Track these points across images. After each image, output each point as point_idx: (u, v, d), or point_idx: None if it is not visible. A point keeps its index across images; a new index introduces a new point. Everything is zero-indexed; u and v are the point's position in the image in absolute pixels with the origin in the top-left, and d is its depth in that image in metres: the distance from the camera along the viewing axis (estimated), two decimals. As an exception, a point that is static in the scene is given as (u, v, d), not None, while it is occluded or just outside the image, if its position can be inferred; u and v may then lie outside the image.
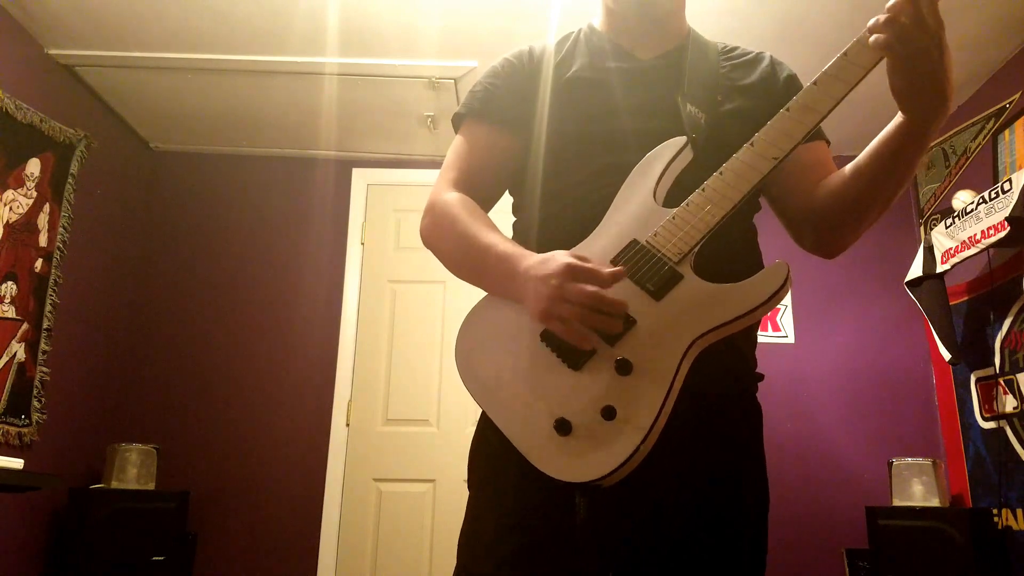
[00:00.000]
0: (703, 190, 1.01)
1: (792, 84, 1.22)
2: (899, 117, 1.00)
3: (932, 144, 3.40)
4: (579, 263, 0.94)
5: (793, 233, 1.20)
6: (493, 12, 2.82)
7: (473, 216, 1.13)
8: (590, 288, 0.91)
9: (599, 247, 1.03)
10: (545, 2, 2.77)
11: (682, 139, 1.09)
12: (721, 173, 1.01)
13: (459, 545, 1.08)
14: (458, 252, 1.13)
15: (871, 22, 0.95)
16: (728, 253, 1.06)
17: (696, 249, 0.98)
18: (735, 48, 1.27)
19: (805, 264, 3.38)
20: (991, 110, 3.06)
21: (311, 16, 2.84)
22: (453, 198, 1.16)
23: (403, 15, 2.85)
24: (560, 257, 0.96)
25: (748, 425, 1.10)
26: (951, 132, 3.30)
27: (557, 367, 0.96)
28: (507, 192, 1.30)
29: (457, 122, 1.27)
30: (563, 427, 0.92)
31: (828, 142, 1.21)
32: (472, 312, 1.08)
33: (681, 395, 0.91)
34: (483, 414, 1.08)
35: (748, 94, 1.19)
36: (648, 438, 0.89)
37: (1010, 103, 2.96)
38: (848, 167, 1.09)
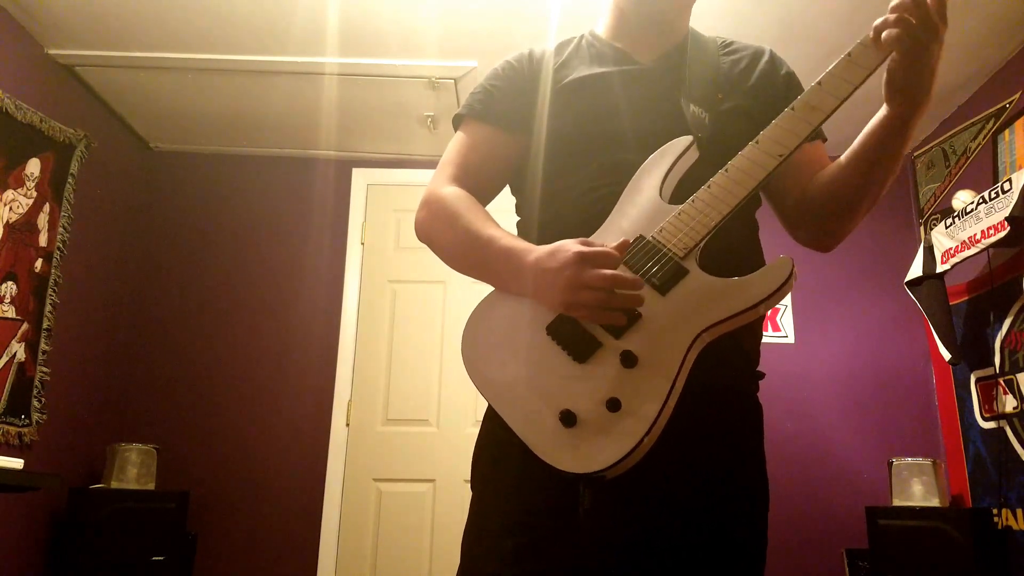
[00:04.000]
0: (709, 187, 1.03)
1: (791, 81, 1.24)
2: (884, 111, 1.03)
3: (932, 144, 3.41)
4: (589, 249, 0.96)
5: (789, 228, 1.22)
6: (493, 12, 2.82)
7: (474, 211, 1.14)
8: (607, 272, 0.94)
9: (607, 242, 1.04)
10: (545, 3, 2.77)
11: (688, 138, 1.10)
12: (726, 170, 1.03)
13: (463, 544, 1.09)
14: (459, 246, 1.14)
15: (879, 20, 0.97)
16: (732, 248, 1.07)
17: (702, 244, 1.00)
18: (733, 43, 1.29)
19: (805, 264, 3.38)
20: (991, 110, 3.07)
21: (311, 16, 2.84)
22: (452, 192, 1.17)
23: (403, 15, 2.85)
24: (570, 246, 0.98)
25: (749, 421, 1.11)
26: (951, 132, 3.30)
27: (563, 360, 0.97)
28: (510, 192, 1.31)
29: (457, 123, 1.29)
30: (568, 419, 0.93)
31: (824, 139, 1.24)
32: (478, 308, 1.08)
33: (685, 388, 0.92)
34: (488, 411, 1.09)
35: (749, 91, 1.20)
36: (652, 430, 0.89)
37: (1010, 103, 2.96)
38: (836, 164, 1.12)
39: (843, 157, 1.11)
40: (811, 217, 1.17)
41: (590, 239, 1.01)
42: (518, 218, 1.29)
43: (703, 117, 1.14)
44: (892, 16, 0.96)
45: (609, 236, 1.05)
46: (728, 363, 1.05)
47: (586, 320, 0.97)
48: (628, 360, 0.93)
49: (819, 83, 1.02)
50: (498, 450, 1.06)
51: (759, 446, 1.10)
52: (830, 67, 1.01)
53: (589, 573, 0.99)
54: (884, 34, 0.96)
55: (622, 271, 0.98)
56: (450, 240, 1.15)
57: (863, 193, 1.10)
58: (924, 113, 1.01)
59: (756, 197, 1.19)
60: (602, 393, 0.93)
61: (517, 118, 1.23)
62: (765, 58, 1.25)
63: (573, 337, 0.97)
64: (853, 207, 1.12)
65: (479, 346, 1.05)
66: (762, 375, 1.14)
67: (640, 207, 1.06)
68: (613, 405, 0.92)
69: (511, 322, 1.04)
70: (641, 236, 1.03)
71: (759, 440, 1.11)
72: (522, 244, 1.06)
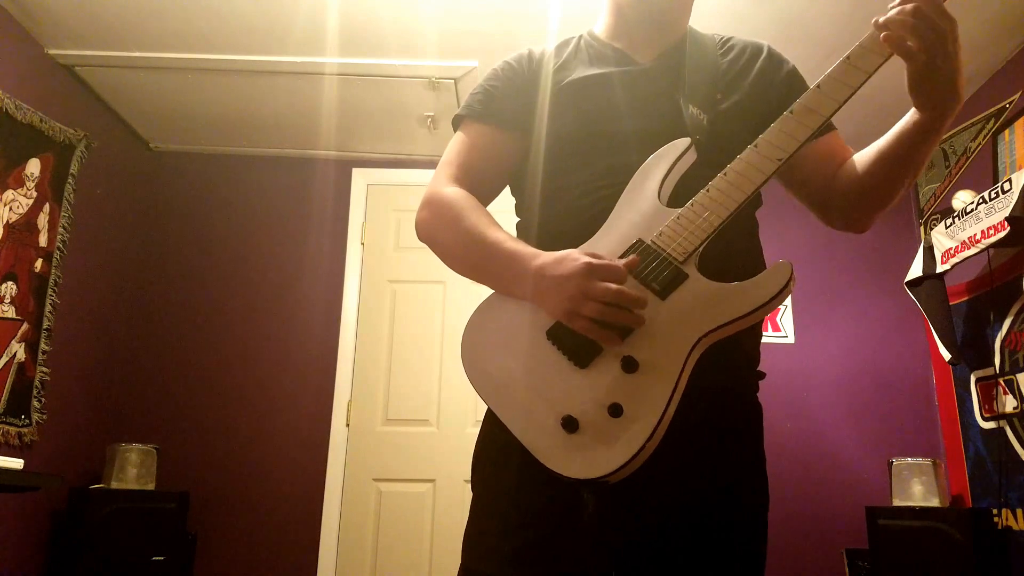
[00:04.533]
0: (708, 191, 1.03)
1: (792, 78, 1.24)
2: (913, 114, 1.03)
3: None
4: (597, 261, 0.96)
5: (820, 215, 1.24)
6: (493, 12, 2.82)
7: (477, 212, 1.14)
8: (614, 286, 0.94)
9: (605, 246, 1.04)
10: (545, 3, 2.77)
11: (686, 140, 1.10)
12: (725, 174, 1.03)
13: (463, 544, 1.09)
14: (461, 247, 1.14)
15: (881, 20, 0.96)
16: (731, 251, 1.07)
17: (701, 249, 1.00)
18: (731, 40, 1.28)
19: (806, 264, 3.41)
20: (991, 110, 3.07)
21: (311, 16, 2.84)
22: (454, 193, 1.17)
23: (403, 15, 2.85)
24: (578, 257, 0.97)
25: (749, 423, 1.11)
26: (951, 132, 3.30)
27: (564, 365, 0.97)
28: (509, 193, 1.31)
29: (456, 123, 1.28)
30: (570, 424, 0.93)
31: (835, 128, 1.23)
32: (478, 311, 1.08)
33: (685, 391, 0.93)
34: (488, 413, 1.09)
35: (748, 90, 1.20)
36: (654, 435, 0.90)
37: (1010, 103, 2.96)
38: (865, 157, 1.13)
39: (870, 154, 1.12)
40: (845, 206, 1.18)
41: (596, 250, 1.00)
42: (518, 219, 1.28)
43: (701, 118, 1.13)
44: (895, 17, 0.94)
45: (608, 239, 1.05)
46: (728, 364, 1.05)
47: (586, 332, 0.96)
48: (629, 365, 0.94)
49: (818, 86, 1.02)
50: (499, 451, 1.06)
51: (759, 447, 1.11)
52: (829, 70, 1.01)
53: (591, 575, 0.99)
54: (885, 35, 0.95)
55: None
56: (453, 241, 1.15)
57: (892, 188, 1.11)
58: (952, 116, 1.01)
59: (757, 197, 1.19)
60: (603, 398, 0.93)
61: (517, 118, 1.23)
62: (764, 55, 1.25)
63: (574, 342, 0.97)
64: (884, 197, 1.13)
65: (479, 350, 1.05)
66: (762, 375, 1.14)
67: (638, 210, 1.06)
68: (615, 410, 0.92)
69: (511, 326, 1.04)
70: (640, 240, 1.02)
71: (759, 441, 1.11)
72: (526, 249, 1.06)
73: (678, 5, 1.25)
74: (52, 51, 3.06)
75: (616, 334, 0.95)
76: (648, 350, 0.94)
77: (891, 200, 1.14)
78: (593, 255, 0.98)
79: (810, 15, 2.78)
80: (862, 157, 1.14)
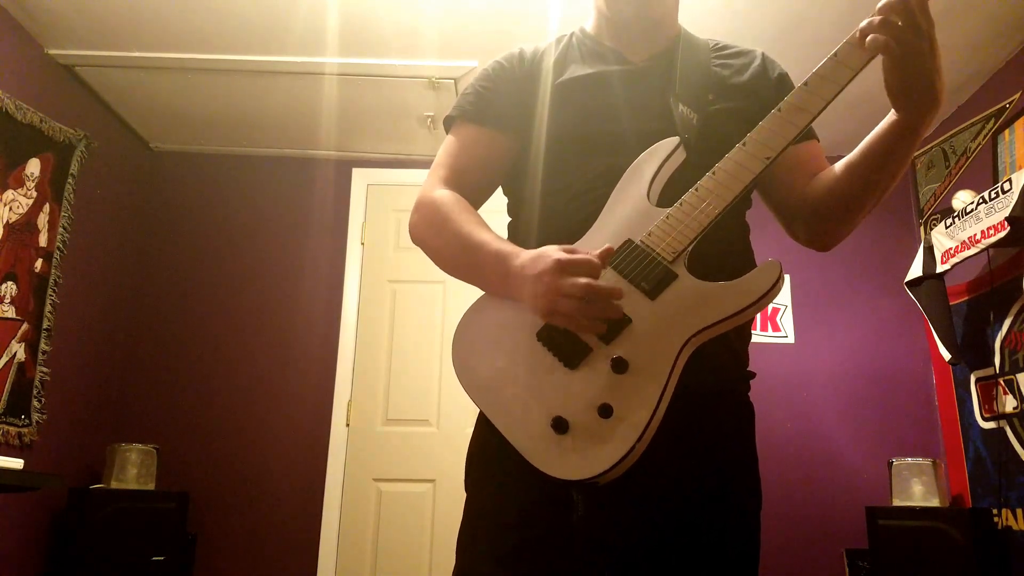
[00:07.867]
0: (696, 190, 1.02)
1: (783, 83, 1.23)
2: (892, 115, 1.03)
3: (932, 144, 3.41)
4: (568, 257, 0.95)
5: (787, 227, 1.22)
6: (493, 12, 2.82)
7: (464, 214, 1.13)
8: (583, 281, 0.93)
9: (594, 245, 1.03)
10: (545, 3, 2.77)
11: (675, 139, 1.10)
12: (714, 173, 1.03)
13: (457, 545, 1.09)
14: (450, 249, 1.14)
15: (864, 23, 0.96)
16: (721, 251, 1.06)
17: (690, 248, 0.99)
18: (726, 46, 1.28)
19: (805, 264, 3.41)
20: (991, 110, 3.06)
21: (311, 16, 2.84)
22: (444, 195, 1.17)
23: (403, 15, 2.85)
24: (551, 253, 0.97)
25: (739, 422, 1.11)
26: (951, 132, 3.30)
27: (554, 366, 0.97)
28: (501, 193, 1.31)
29: (448, 124, 1.28)
30: (560, 425, 0.93)
31: (817, 139, 1.23)
32: (468, 312, 1.08)
33: (676, 391, 0.92)
34: (481, 414, 1.09)
35: (739, 93, 1.20)
36: (644, 436, 0.89)
37: (1010, 103, 2.96)
38: (841, 163, 1.12)
39: (847, 159, 1.10)
40: (811, 217, 1.16)
41: (574, 246, 1.00)
42: (510, 219, 1.28)
43: (691, 118, 1.13)
44: (877, 18, 0.94)
45: (598, 239, 1.04)
46: (718, 365, 1.05)
47: (567, 327, 0.96)
48: (619, 366, 0.93)
49: (805, 84, 1.01)
50: (492, 452, 1.06)
51: (751, 447, 1.10)
52: (816, 68, 1.01)
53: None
54: (869, 38, 0.95)
55: (612, 277, 0.98)
56: (442, 244, 1.15)
57: (866, 196, 1.09)
58: (931, 119, 1.00)
59: (747, 199, 1.19)
60: (593, 399, 0.93)
61: (508, 119, 1.22)
62: (757, 60, 1.25)
63: (563, 343, 0.97)
64: (855, 210, 1.11)
65: (469, 351, 1.05)
66: (752, 375, 1.14)
67: (628, 210, 1.06)
68: (605, 411, 0.92)
69: (501, 327, 1.04)
70: (630, 240, 1.02)
71: (751, 441, 1.11)
72: (510, 248, 1.05)
73: (656, 9, 1.24)
74: (52, 51, 3.06)
75: (600, 326, 0.94)
76: (638, 350, 0.94)
77: (858, 214, 1.11)
78: (568, 250, 0.97)
79: (810, 15, 2.78)
80: (837, 166, 1.12)
